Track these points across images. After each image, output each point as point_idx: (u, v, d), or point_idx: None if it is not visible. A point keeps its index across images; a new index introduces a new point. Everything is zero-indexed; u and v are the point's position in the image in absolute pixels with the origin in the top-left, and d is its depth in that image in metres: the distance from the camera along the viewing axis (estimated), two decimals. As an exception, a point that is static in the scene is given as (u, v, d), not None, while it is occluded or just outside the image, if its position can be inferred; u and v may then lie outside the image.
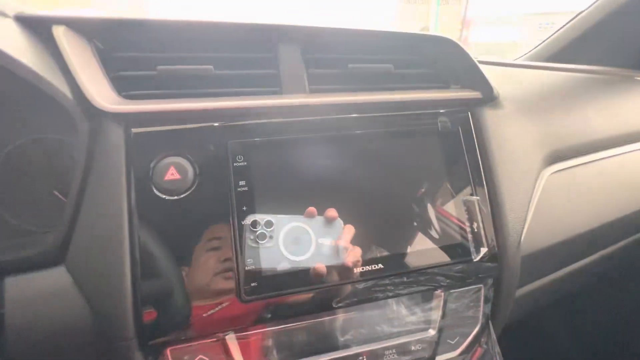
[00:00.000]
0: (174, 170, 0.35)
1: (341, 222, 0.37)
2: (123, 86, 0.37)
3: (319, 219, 0.36)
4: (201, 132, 0.36)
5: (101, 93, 0.34)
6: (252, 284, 0.34)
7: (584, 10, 0.89)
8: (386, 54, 0.44)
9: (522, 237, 0.44)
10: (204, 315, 0.33)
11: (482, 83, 0.44)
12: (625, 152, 0.56)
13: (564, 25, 0.94)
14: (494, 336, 0.43)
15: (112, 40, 0.37)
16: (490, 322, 0.43)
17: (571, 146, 0.52)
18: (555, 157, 0.50)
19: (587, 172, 0.52)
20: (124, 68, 0.37)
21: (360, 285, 0.37)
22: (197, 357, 0.34)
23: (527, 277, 0.46)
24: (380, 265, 0.38)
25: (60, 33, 0.34)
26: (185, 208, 0.34)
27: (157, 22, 0.37)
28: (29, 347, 0.32)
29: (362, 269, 0.37)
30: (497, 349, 0.43)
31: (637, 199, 0.55)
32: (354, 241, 0.37)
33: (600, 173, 0.53)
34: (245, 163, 0.36)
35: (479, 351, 0.43)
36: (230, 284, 0.34)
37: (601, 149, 0.54)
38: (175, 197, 0.34)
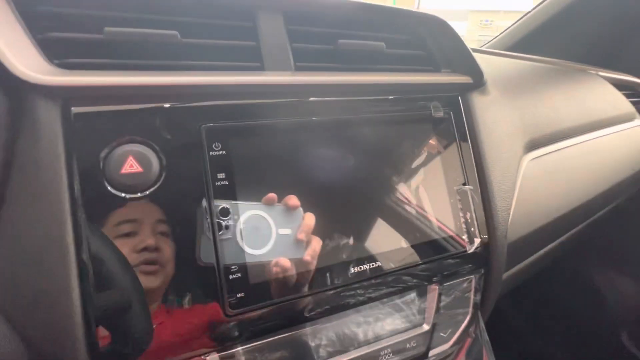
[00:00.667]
0: (134, 161, 0.28)
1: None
2: (55, 52, 0.28)
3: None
4: (166, 114, 0.29)
5: (25, 59, 0.26)
6: (238, 295, 0.29)
7: (538, 5, 0.94)
8: (377, 32, 0.40)
9: (509, 224, 0.44)
10: (186, 337, 0.28)
11: (472, 67, 0.43)
12: (589, 140, 0.59)
13: (521, 18, 0.98)
14: (482, 325, 0.43)
15: None
16: (479, 311, 0.43)
17: (545, 134, 0.53)
18: (533, 145, 0.51)
19: (558, 158, 0.54)
20: (55, 28, 0.29)
21: (352, 289, 0.34)
22: None
23: (511, 262, 0.47)
24: (373, 264, 0.35)
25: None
26: (148, 209, 0.28)
27: None
28: None
29: (353, 269, 0.34)
30: (486, 337, 0.43)
31: (602, 181, 0.59)
32: (348, 240, 0.34)
33: (569, 159, 0.55)
34: (223, 152, 0.30)
35: (469, 341, 0.43)
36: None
37: (569, 137, 0.57)
38: (137, 195, 0.28)
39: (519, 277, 0.54)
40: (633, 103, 0.75)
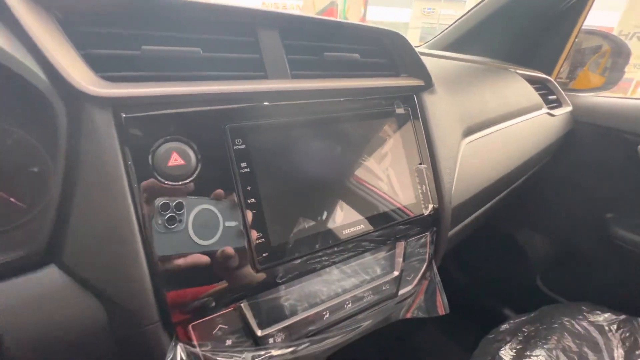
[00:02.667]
0: (177, 156, 0.35)
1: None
2: (97, 67, 0.34)
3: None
4: (197, 116, 0.36)
5: (80, 74, 0.31)
6: (264, 255, 0.38)
7: (474, 7, 1.10)
8: (353, 44, 0.49)
9: (452, 194, 0.57)
10: (222, 287, 0.36)
11: (423, 72, 0.55)
12: (508, 126, 0.76)
13: (457, 20, 1.14)
14: (435, 269, 0.57)
15: (72, 10, 0.33)
16: (433, 260, 0.57)
17: (477, 123, 0.68)
18: (468, 131, 0.65)
19: (486, 142, 0.69)
20: (94, 46, 0.34)
21: (342, 247, 0.45)
22: (217, 328, 0.37)
23: (455, 222, 0.61)
24: (358, 227, 0.46)
25: (14, 1, 0.29)
26: (191, 193, 0.35)
27: None
28: (36, 354, 0.30)
29: (344, 231, 0.45)
30: (438, 278, 0.57)
31: (518, 157, 0.77)
32: (342, 209, 0.44)
33: (493, 142, 0.71)
34: (244, 146, 0.38)
35: (426, 282, 0.57)
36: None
37: (494, 125, 0.72)
38: (180, 183, 0.35)
39: (461, 234, 0.70)
40: (541, 95, 0.94)
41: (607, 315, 0.87)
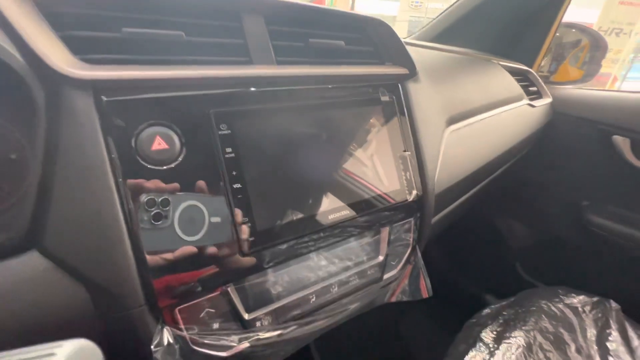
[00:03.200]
0: (161, 140, 0.35)
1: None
2: (76, 48, 0.33)
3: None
4: (181, 101, 0.36)
5: (58, 55, 0.31)
6: (250, 239, 0.39)
7: (456, 2, 1.11)
8: (338, 32, 0.50)
9: (435, 181, 0.59)
10: (208, 272, 0.37)
11: (408, 61, 0.55)
12: (490, 116, 0.77)
13: (442, 13, 1.15)
14: (419, 254, 0.59)
15: None
16: (417, 245, 0.59)
17: (460, 112, 0.69)
18: (451, 120, 0.67)
19: (469, 131, 0.71)
20: (72, 27, 0.33)
21: (327, 232, 0.46)
22: (204, 311, 0.38)
23: (438, 208, 0.63)
24: (345, 212, 0.47)
25: (-14, -22, 0.28)
26: (175, 177, 0.35)
27: None
28: (22, 339, 0.30)
29: (331, 216, 0.45)
30: (422, 263, 0.58)
31: (499, 146, 0.79)
32: (328, 194, 0.45)
33: (476, 131, 0.73)
34: (229, 131, 0.38)
35: (410, 267, 0.58)
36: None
37: (477, 114, 0.74)
38: (165, 167, 0.35)
39: (445, 221, 0.72)
40: (522, 86, 0.97)
41: (581, 297, 0.91)
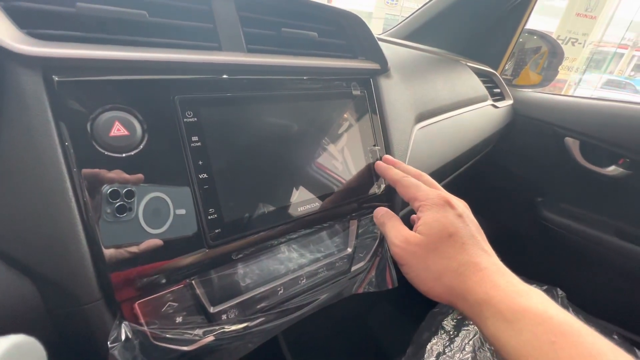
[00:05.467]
0: (120, 125, 0.33)
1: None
2: (23, 22, 0.30)
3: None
4: (144, 85, 0.34)
5: (1, 28, 0.28)
6: (216, 231, 0.38)
7: (428, 2, 1.14)
8: (311, 23, 0.49)
9: (403, 176, 0.60)
10: (171, 264, 0.35)
11: (379, 57, 0.56)
12: (457, 115, 0.81)
13: (415, 11, 1.18)
14: (386, 246, 0.60)
15: None
16: (384, 237, 0.60)
17: (429, 110, 0.71)
18: (420, 117, 0.69)
19: (436, 128, 0.73)
20: None
21: (296, 224, 0.46)
22: (166, 305, 0.36)
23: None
24: (312, 205, 0.47)
25: None
26: (136, 166, 0.33)
27: None
28: None
29: (299, 209, 0.45)
30: (389, 254, 0.60)
31: (464, 144, 0.82)
32: (297, 187, 0.45)
33: (443, 128, 0.76)
34: (195, 119, 0.37)
35: (377, 259, 0.60)
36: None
37: (444, 112, 0.77)
38: (124, 155, 0.33)
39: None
40: (487, 87, 1.02)
41: (533, 286, 0.99)
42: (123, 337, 0.33)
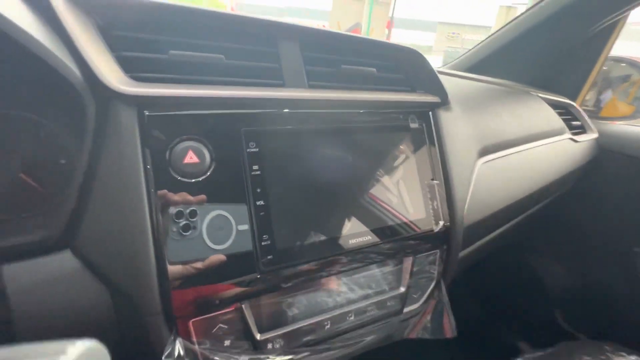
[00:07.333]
0: (192, 154, 0.36)
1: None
2: (128, 67, 0.36)
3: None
4: (216, 119, 0.38)
5: (111, 73, 0.34)
6: (268, 257, 0.39)
7: (497, 31, 1.10)
8: (370, 59, 0.51)
9: (465, 213, 0.56)
10: (225, 286, 0.37)
11: (439, 89, 0.55)
12: (527, 149, 0.74)
13: (480, 43, 1.14)
14: (444, 289, 0.55)
15: (111, 18, 0.36)
16: (442, 279, 0.55)
17: (494, 143, 0.67)
18: (484, 151, 0.64)
19: (503, 163, 0.68)
20: (127, 49, 0.37)
21: (348, 257, 0.45)
22: (217, 327, 0.37)
23: (466, 242, 0.60)
24: (365, 238, 0.45)
25: (59, 3, 0.32)
26: (203, 190, 0.36)
27: (164, 4, 0.37)
28: (39, 327, 0.31)
29: (351, 241, 0.44)
30: (447, 299, 0.55)
31: (536, 181, 0.74)
32: (350, 219, 0.44)
33: (511, 164, 0.70)
34: (257, 149, 0.40)
35: (433, 302, 0.55)
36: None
37: (512, 146, 0.71)
38: (194, 180, 0.36)
39: (473, 256, 0.67)
40: (564, 120, 0.92)
41: (633, 358, 0.81)
42: (176, 354, 0.34)
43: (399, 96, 0.51)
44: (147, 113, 0.35)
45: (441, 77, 0.55)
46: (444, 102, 0.56)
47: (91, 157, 0.33)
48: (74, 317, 0.33)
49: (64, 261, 0.33)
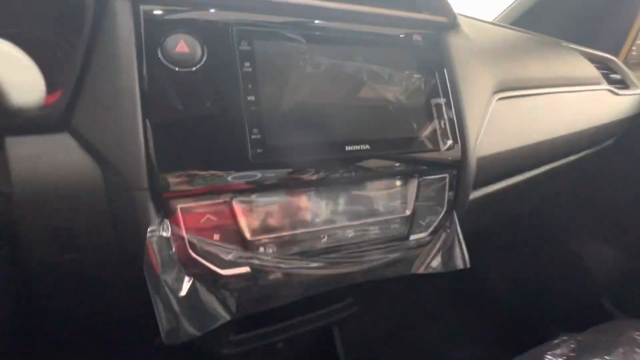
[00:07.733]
0: (184, 44, 0.37)
1: None
2: None
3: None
4: (210, 15, 0.39)
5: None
6: (258, 150, 0.38)
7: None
8: None
9: (477, 142, 0.52)
10: (213, 173, 0.36)
11: (447, 10, 0.52)
12: (553, 92, 0.68)
13: (514, 2, 1.08)
14: (456, 220, 0.51)
15: None
16: (453, 210, 0.51)
17: (513, 79, 0.62)
18: (502, 87, 0.60)
19: (523, 102, 0.63)
20: None
21: (344, 165, 0.43)
22: (205, 217, 0.37)
23: (480, 179, 0.55)
24: (360, 147, 0.43)
25: None
26: (194, 81, 0.37)
27: None
28: (37, 202, 0.33)
29: (347, 147, 0.42)
30: (459, 229, 0.51)
31: (562, 126, 0.68)
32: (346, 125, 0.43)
33: (533, 104, 0.64)
34: (249, 48, 0.40)
35: (444, 234, 0.51)
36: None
37: (535, 87, 0.66)
38: (185, 70, 0.37)
39: (490, 201, 0.62)
40: (603, 74, 0.84)
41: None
42: (162, 232, 0.34)
43: (405, 13, 0.50)
44: (142, 7, 0.36)
45: (463, 20, 0.53)
46: (452, 24, 0.53)
47: (89, 41, 0.35)
48: (67, 192, 0.34)
49: (62, 140, 0.34)
